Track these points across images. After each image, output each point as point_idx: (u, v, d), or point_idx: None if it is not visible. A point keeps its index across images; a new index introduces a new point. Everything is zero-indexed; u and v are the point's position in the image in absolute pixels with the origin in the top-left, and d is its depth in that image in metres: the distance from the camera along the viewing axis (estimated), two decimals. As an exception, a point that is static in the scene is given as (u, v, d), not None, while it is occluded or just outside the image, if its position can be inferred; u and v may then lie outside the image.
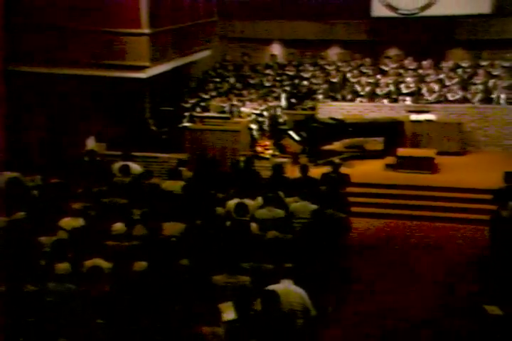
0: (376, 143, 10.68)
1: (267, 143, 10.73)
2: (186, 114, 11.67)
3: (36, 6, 10.11)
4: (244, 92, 12.82)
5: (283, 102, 12.81)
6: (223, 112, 11.49)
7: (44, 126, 10.79)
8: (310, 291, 4.73)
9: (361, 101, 12.33)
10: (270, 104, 11.98)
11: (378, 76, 13.21)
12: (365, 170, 9.88)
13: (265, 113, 11.58)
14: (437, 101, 11.78)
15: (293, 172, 8.89)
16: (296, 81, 13.75)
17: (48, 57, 10.26)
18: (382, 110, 11.68)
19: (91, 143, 10.50)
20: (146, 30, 10.46)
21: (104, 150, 10.38)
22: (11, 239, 5.28)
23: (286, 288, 4.65)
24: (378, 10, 14.11)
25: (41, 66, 10.24)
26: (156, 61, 10.73)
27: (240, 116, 11.33)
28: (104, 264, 5.05)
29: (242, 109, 11.66)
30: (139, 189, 7.22)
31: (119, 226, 6.06)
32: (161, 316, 4.14)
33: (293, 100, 13.00)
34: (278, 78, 14.11)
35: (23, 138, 10.32)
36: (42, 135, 10.73)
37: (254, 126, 11.09)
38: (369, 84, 12.83)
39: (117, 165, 8.24)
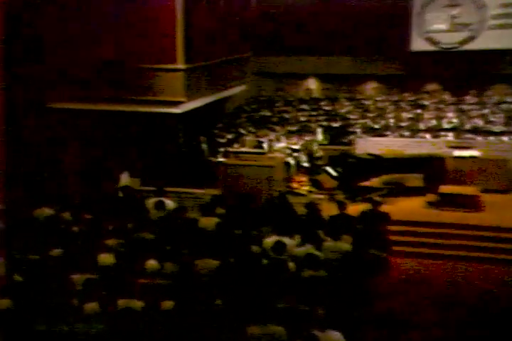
0: (416, 180, 10.57)
1: (303, 178, 10.84)
2: (221, 149, 11.91)
3: (74, 40, 10.52)
4: (280, 127, 13.14)
5: (319, 137, 12.96)
6: (258, 147, 11.73)
7: (79, 162, 11.11)
8: (345, 334, 4.65)
9: (400, 137, 12.32)
10: (306, 139, 12.19)
11: (418, 111, 13.15)
12: (405, 208, 9.77)
13: (301, 148, 11.74)
14: (479, 132, 11.53)
15: (330, 209, 8.68)
16: (332, 116, 13.94)
17: (84, 94, 10.67)
18: (422, 145, 11.63)
19: (125, 179, 10.68)
20: (181, 66, 10.76)
21: (138, 186, 10.61)
22: (46, 276, 5.35)
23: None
24: (418, 44, 14.19)
25: (78, 102, 10.66)
26: (190, 96, 11.02)
27: (276, 152, 11.54)
28: (136, 304, 5.03)
29: (278, 144, 11.85)
30: (173, 225, 7.28)
31: (151, 263, 6.03)
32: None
33: (329, 135, 13.17)
34: (313, 113, 14.39)
35: (58, 173, 10.63)
36: (76, 170, 11.04)
37: (289, 162, 11.22)
38: (408, 119, 12.77)
39: (151, 201, 8.31)
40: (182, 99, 10.72)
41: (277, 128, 13.15)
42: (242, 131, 13.13)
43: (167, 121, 11.91)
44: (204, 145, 11.98)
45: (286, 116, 14.39)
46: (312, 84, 15.79)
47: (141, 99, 10.68)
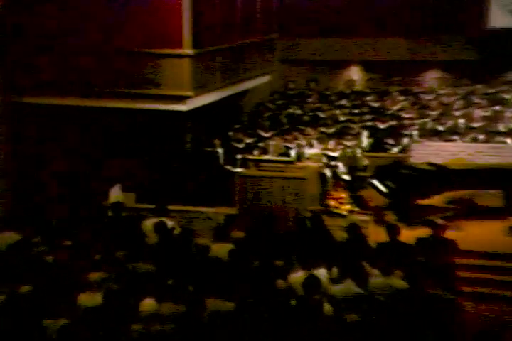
0: (493, 198, 10.40)
1: (343, 195, 10.76)
2: (238, 156, 11.97)
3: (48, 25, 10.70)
4: (312, 129, 13.15)
5: (363, 142, 12.96)
6: (286, 154, 11.78)
7: (58, 171, 11.21)
8: None
9: (472, 141, 12.22)
10: (346, 143, 12.11)
11: (496, 107, 12.94)
12: (478, 235, 9.63)
13: (340, 155, 11.72)
14: None
15: (377, 234, 8.80)
16: (381, 114, 13.94)
17: (65, 87, 10.83)
18: (501, 153, 11.37)
19: (116, 193, 10.80)
20: (189, 51, 10.86)
21: (133, 203, 10.72)
22: (11, 320, 5.30)
23: None
24: (498, 19, 13.63)
25: (58, 97, 10.81)
26: (200, 90, 11.12)
27: (307, 160, 11.55)
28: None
29: (310, 150, 11.89)
30: (177, 253, 7.35)
31: (148, 303, 6.02)
32: None
33: (376, 139, 13.17)
34: (356, 111, 14.42)
35: (30, 185, 10.77)
36: (54, 182, 11.16)
37: (325, 173, 11.21)
38: (483, 118, 12.61)
39: (150, 223, 8.45)
40: (189, 94, 10.85)
41: (309, 130, 13.17)
42: (265, 133, 13.21)
43: (171, 121, 12.03)
44: (219, 151, 12.13)
45: (321, 114, 14.43)
46: (355, 73, 15.85)
47: (137, 93, 10.81)
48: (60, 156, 11.24)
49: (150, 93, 10.83)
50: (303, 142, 12.32)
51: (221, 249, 7.53)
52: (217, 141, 12.26)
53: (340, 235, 8.14)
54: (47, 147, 11.06)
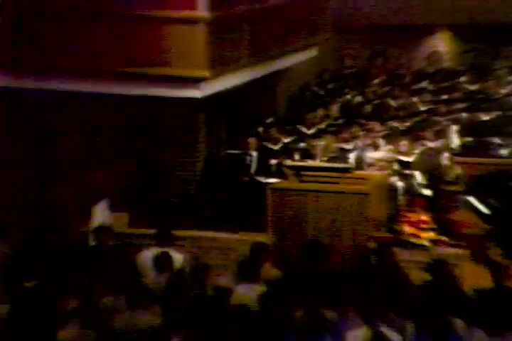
0: None
1: (423, 217, 10.74)
2: (273, 161, 11.98)
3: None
4: (378, 123, 13.06)
5: (453, 141, 12.87)
6: (340, 159, 11.67)
7: (25, 179, 11.45)
8: None
9: None
10: (429, 144, 12.05)
11: None
12: None
13: (417, 161, 11.66)
14: None
15: (475, 276, 8.54)
16: (480, 101, 13.81)
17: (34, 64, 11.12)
18: None
19: (101, 213, 10.78)
20: (204, 14, 10.95)
21: (124, 226, 10.86)
22: None
23: None
24: None
25: (26, 78, 11.14)
26: (219, 69, 11.21)
27: (371, 167, 11.52)
28: None
29: (375, 153, 11.83)
30: (186, 300, 7.34)
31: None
32: None
33: (473, 137, 13.03)
34: (444, 97, 14.29)
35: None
36: (14, 199, 11.30)
37: (396, 186, 11.16)
38: None
39: (148, 255, 8.52)
40: (204, 74, 10.97)
41: (374, 124, 13.07)
42: (309, 130, 13.16)
43: (179, 113, 12.12)
44: (253, 155, 12.22)
45: (391, 103, 14.35)
46: (441, 43, 15.68)
47: (134, 73, 10.97)
48: (25, 160, 11.59)
49: (150, 73, 11.04)
50: (364, 142, 12.26)
51: (248, 293, 7.57)
52: (251, 140, 12.36)
53: (420, 276, 8.09)
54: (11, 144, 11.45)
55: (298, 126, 13.39)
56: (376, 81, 15.36)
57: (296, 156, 12.27)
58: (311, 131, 13.22)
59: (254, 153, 12.27)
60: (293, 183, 10.98)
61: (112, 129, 12.06)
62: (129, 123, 12.05)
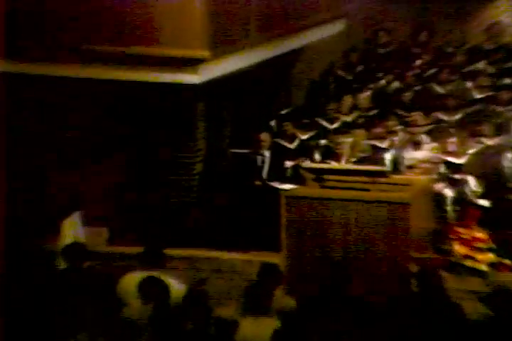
0: None
1: (479, 234, 10.73)
2: (288, 163, 12.01)
3: None
4: (421, 115, 12.96)
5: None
6: (371, 160, 11.66)
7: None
8: None
9: None
10: (486, 142, 12.01)
11: None
12: None
13: (471, 163, 11.62)
14: None
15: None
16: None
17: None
18: None
19: (74, 227, 10.78)
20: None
21: (103, 244, 11.00)
22: None
23: None
24: None
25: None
26: (221, 48, 11.19)
27: (412, 170, 11.50)
28: None
29: (416, 153, 11.85)
30: (179, 334, 7.51)
31: None
32: None
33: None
34: (507, 81, 14.19)
35: None
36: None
37: (444, 194, 11.12)
38: None
39: (132, 280, 8.53)
40: (203, 55, 10.97)
41: (415, 116, 12.93)
42: (332, 124, 13.17)
43: (172, 103, 12.07)
44: (266, 155, 12.26)
45: (438, 89, 14.25)
46: (504, 13, 15.44)
47: (116, 52, 11.02)
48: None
49: (135, 53, 11.02)
50: (403, 138, 12.24)
51: (258, 328, 7.70)
52: (264, 136, 12.35)
53: (476, 310, 8.02)
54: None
55: (319, 119, 13.36)
56: (419, 62, 15.22)
57: (317, 157, 12.31)
58: (335, 126, 13.21)
59: (267, 153, 12.21)
60: (313, 190, 10.77)
61: (88, 121, 12.04)
62: (108, 114, 12.04)
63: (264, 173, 12.08)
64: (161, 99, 11.93)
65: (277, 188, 11.45)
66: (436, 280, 8.48)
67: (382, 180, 10.60)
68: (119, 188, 11.99)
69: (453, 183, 11.30)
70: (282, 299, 8.42)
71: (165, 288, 8.30)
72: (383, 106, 13.89)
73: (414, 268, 9.36)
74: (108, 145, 12.14)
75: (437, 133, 12.38)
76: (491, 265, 10.38)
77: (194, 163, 12.56)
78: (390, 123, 12.65)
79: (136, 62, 11.06)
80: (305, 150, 12.53)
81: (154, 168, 12.23)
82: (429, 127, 12.66)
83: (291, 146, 12.66)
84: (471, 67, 14.98)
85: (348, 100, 13.74)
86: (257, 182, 11.96)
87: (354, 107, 13.72)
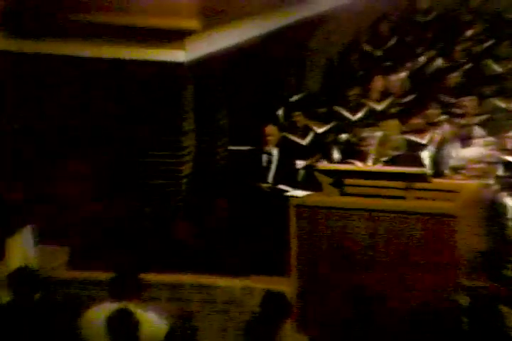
0: None
1: None
2: (299, 163, 11.87)
3: None
4: (473, 102, 12.79)
5: None
6: (407, 160, 11.48)
7: None
8: None
9: None
10: None
11: None
12: None
13: None
14: None
15: None
16: None
17: None
18: None
19: (23, 248, 10.61)
20: None
21: (61, 268, 10.83)
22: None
23: None
24: None
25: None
26: (214, 18, 11.13)
27: (459, 173, 11.27)
28: None
29: (465, 150, 11.67)
30: None
31: None
32: None
33: None
34: None
35: None
36: None
37: (503, 203, 10.88)
38: None
39: (99, 314, 8.41)
40: (191, 25, 11.11)
41: (464, 103, 12.79)
42: (355, 113, 13.10)
43: (154, 85, 11.99)
44: (274, 153, 12.45)
45: (494, 66, 14.32)
46: None
47: (83, 23, 11.11)
48: None
49: (103, 22, 11.07)
50: (448, 132, 12.06)
51: None
52: (271, 130, 12.39)
53: None
54: None
55: (338, 108, 13.32)
56: (469, 32, 15.24)
57: (336, 155, 12.16)
58: (360, 116, 13.20)
59: (274, 151, 12.18)
60: (331, 198, 10.55)
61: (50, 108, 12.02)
62: (85, 97, 12.11)
63: (270, 176, 12.10)
64: (138, 81, 11.88)
65: (286, 195, 11.40)
66: (494, 317, 8.22)
67: (421, 185, 10.36)
68: (84, 196, 11.87)
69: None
70: (291, 337, 8.39)
71: (136, 325, 8.03)
72: (423, 90, 13.82)
73: (463, 300, 9.10)
74: (71, 140, 12.10)
75: (493, 125, 12.27)
76: None
77: (181, 163, 12.56)
78: (432, 112, 12.53)
79: (107, 35, 11.20)
80: (321, 147, 12.46)
81: (130, 169, 12.19)
82: (483, 117, 12.58)
83: (304, 142, 12.64)
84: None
85: (377, 83, 13.68)
86: (261, 188, 11.92)
87: (385, 92, 13.66)
